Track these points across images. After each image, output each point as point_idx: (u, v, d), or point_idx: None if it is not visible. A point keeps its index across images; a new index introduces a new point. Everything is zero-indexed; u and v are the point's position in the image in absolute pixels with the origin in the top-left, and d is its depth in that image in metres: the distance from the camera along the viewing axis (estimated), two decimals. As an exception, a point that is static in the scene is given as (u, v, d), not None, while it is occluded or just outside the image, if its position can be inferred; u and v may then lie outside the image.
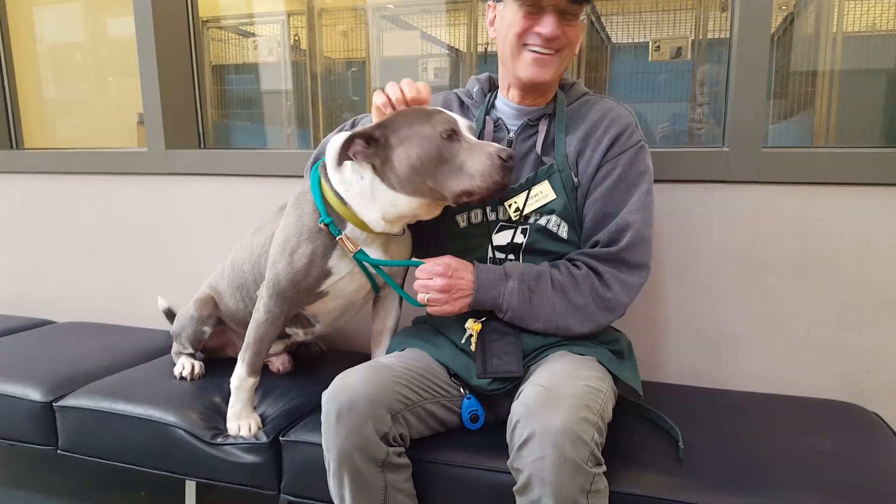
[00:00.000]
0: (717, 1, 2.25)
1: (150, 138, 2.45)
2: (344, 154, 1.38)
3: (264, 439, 1.59)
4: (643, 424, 1.57)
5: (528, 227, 1.55)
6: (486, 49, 2.56)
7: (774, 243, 1.83)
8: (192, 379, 1.87)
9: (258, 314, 1.60)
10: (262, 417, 1.67)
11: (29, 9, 2.93)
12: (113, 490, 2.26)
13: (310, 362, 2.04)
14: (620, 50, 2.42)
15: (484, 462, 1.40)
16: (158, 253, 2.51)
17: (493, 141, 1.56)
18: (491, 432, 1.47)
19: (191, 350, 1.90)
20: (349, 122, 1.73)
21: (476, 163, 1.34)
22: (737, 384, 1.88)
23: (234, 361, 1.65)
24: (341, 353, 2.16)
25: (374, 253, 1.53)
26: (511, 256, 1.56)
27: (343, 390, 1.34)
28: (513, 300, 1.46)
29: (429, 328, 1.64)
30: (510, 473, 1.26)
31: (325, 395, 1.36)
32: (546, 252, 1.54)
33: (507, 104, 1.61)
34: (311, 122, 2.81)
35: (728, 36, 1.93)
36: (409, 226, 1.60)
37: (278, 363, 1.95)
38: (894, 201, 1.73)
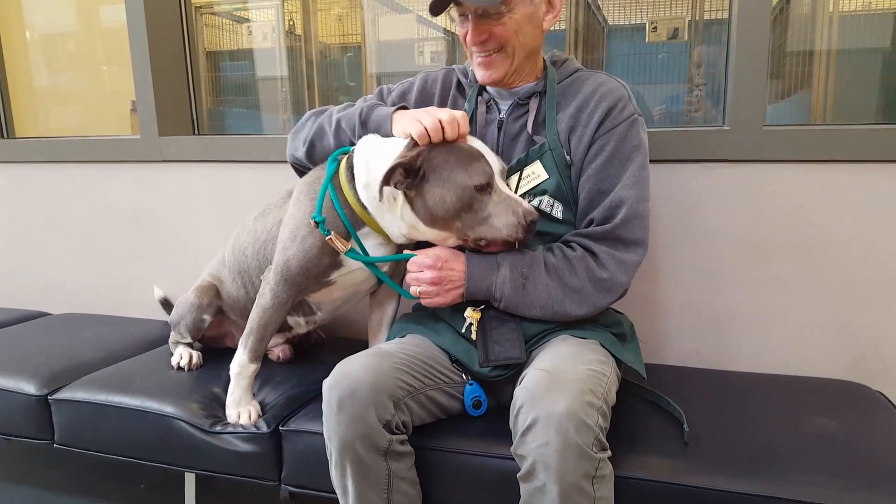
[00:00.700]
0: (715, -20, 2.23)
1: (143, 125, 2.43)
2: (385, 184, 1.38)
3: (264, 428, 1.57)
4: (647, 407, 1.57)
5: None
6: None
7: (776, 222, 1.81)
8: (190, 369, 1.85)
9: (264, 299, 1.58)
10: (262, 405, 1.65)
11: (18, -3, 2.90)
12: (111, 484, 2.25)
13: (309, 350, 2.02)
14: (617, 31, 2.40)
15: (487, 449, 1.39)
16: (153, 241, 2.49)
17: (486, 123, 1.58)
18: (493, 418, 1.46)
19: (189, 339, 1.88)
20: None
21: (502, 219, 1.39)
22: (740, 365, 1.88)
23: (232, 352, 1.63)
24: (341, 340, 2.14)
25: (381, 250, 1.54)
26: None
27: (344, 378, 1.33)
28: (505, 288, 1.44)
29: (429, 314, 1.63)
30: (514, 460, 1.24)
31: (326, 384, 1.35)
32: (542, 233, 1.51)
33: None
34: (307, 107, 2.79)
35: (725, 16, 1.91)
36: None
37: (278, 351, 1.93)
38: (898, 178, 1.72)
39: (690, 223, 1.87)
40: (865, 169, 1.73)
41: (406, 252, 1.53)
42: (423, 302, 1.50)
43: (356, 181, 1.48)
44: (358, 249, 1.51)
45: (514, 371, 1.46)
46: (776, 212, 1.81)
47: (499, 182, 1.42)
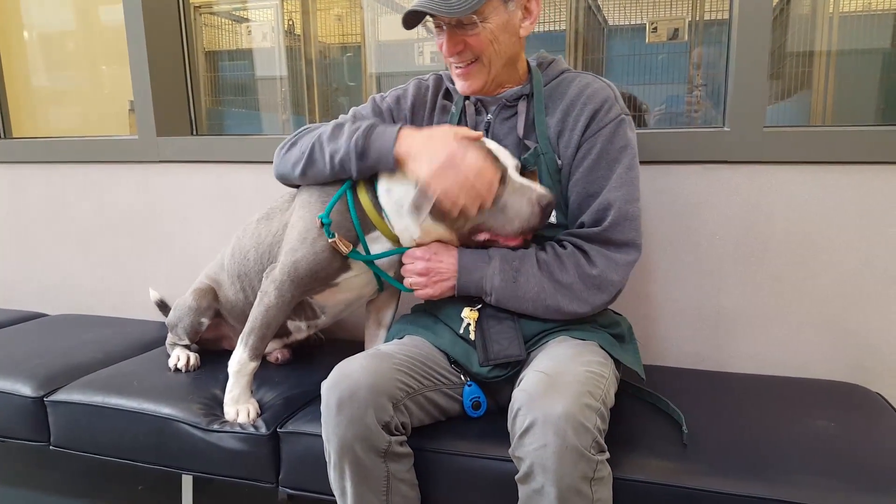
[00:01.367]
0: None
1: (141, 125, 2.42)
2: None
3: (263, 427, 1.56)
4: (645, 409, 1.56)
5: None
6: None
7: (776, 224, 1.81)
8: (187, 371, 1.84)
9: (268, 298, 1.57)
10: (260, 406, 1.64)
11: (16, -4, 2.89)
12: (108, 486, 2.24)
13: (308, 352, 2.01)
14: (617, 32, 2.40)
15: (486, 450, 1.39)
16: (151, 242, 2.49)
17: (475, 126, 1.58)
18: (492, 420, 1.46)
19: (186, 341, 1.87)
20: (350, 113, 1.69)
21: (517, 208, 1.43)
22: (739, 367, 1.87)
23: (229, 354, 1.62)
24: (340, 342, 2.14)
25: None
26: None
27: (343, 379, 1.32)
28: (495, 280, 1.44)
29: (427, 315, 1.62)
30: (512, 462, 1.24)
31: (325, 385, 1.34)
32: (538, 238, 1.52)
33: None
34: (306, 107, 2.79)
35: (725, 17, 1.90)
36: None
37: (277, 353, 1.92)
38: (898, 180, 1.72)
39: (690, 224, 1.87)
40: (865, 170, 1.73)
41: (403, 246, 1.54)
42: (416, 294, 1.51)
43: (378, 185, 1.50)
44: (362, 252, 1.52)
45: (512, 372, 1.45)
46: (776, 213, 1.80)
47: (512, 174, 1.44)
